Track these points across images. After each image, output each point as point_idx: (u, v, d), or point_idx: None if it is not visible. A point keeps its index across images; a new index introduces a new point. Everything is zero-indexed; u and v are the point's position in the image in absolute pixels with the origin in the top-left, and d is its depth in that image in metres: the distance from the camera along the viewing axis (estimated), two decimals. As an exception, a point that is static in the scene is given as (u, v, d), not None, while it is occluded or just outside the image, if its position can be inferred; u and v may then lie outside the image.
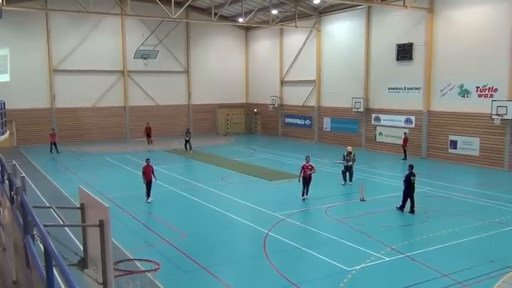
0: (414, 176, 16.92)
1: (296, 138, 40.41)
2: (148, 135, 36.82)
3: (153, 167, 19.01)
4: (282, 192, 20.82)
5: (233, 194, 19.90)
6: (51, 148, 32.63)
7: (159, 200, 19.02)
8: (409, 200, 16.73)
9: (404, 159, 28.15)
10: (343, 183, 20.85)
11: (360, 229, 14.91)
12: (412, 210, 16.64)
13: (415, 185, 16.97)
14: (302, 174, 18.31)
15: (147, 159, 19.07)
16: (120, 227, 14.90)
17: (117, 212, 16.75)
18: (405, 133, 29.32)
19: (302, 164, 18.44)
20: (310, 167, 18.32)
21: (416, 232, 14.76)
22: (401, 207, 16.83)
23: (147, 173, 18.50)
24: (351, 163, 20.90)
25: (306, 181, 18.37)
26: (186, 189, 20.97)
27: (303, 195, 18.23)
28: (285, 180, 23.05)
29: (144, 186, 18.66)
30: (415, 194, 16.91)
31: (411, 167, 17.14)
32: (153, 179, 18.60)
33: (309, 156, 18.81)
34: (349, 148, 21.28)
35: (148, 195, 18.62)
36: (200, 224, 15.91)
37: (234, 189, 21.28)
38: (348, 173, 21.19)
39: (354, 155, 20.70)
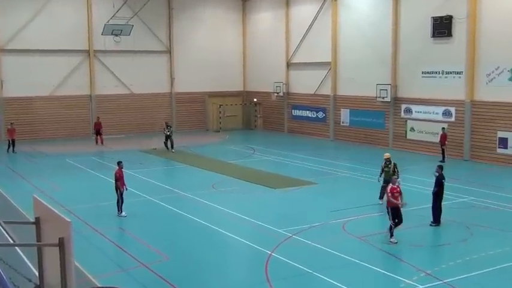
0: (444, 179, 17.12)
1: (306, 135, 40.39)
2: (98, 133, 36.63)
3: (124, 171, 18.96)
4: (289, 203, 20.77)
5: (227, 205, 19.85)
6: (9, 146, 32.67)
7: (133, 212, 18.97)
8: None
9: (442, 161, 28.19)
10: (380, 202, 19.73)
11: (386, 249, 14.90)
12: (438, 221, 16.87)
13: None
14: (391, 202, 15.63)
15: (119, 162, 19.04)
16: (84, 247, 14.86)
17: (81, 228, 16.70)
18: (443, 128, 29.33)
19: (389, 187, 15.85)
20: (399, 191, 15.94)
21: (457, 253, 14.75)
22: (437, 220, 16.87)
23: (121, 179, 18.47)
24: (393, 175, 20.04)
25: (397, 213, 15.77)
26: (167, 199, 20.94)
27: (391, 236, 15.61)
28: (292, 188, 23.01)
29: (116, 195, 18.63)
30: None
31: (441, 167, 17.21)
32: (124, 188, 18.53)
33: (396, 178, 16.71)
34: (387, 155, 20.61)
35: (120, 208, 18.57)
36: (185, 243, 15.87)
37: (228, 199, 21.23)
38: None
39: (394, 165, 20.02)
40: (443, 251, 15.30)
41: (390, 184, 16.06)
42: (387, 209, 15.80)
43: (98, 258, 14.55)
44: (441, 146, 28.90)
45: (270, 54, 43.81)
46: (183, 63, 43.85)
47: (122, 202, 18.51)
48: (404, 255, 14.38)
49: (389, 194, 15.65)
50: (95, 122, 37.40)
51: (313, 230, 16.95)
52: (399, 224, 15.69)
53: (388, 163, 19.89)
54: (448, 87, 30.41)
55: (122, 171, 18.63)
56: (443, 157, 28.59)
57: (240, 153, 33.00)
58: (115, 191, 18.59)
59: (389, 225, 15.64)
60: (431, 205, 17.27)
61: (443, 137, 28.93)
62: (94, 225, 17.43)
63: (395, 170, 19.65)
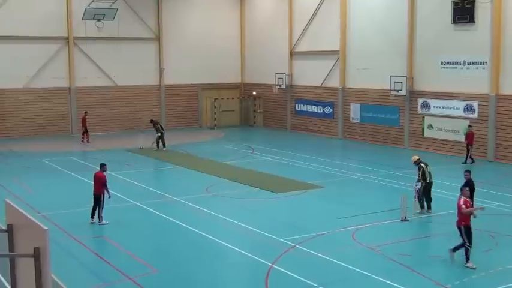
0: (473, 184, 17.16)
1: (311, 132, 40.41)
2: (84, 121, 36.46)
3: (106, 175, 18.75)
4: (292, 209, 20.78)
5: (222, 212, 19.85)
6: None
7: (118, 220, 18.96)
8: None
9: (471, 161, 28.14)
10: (418, 211, 19.49)
11: (401, 261, 14.90)
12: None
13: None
14: (466, 217, 14.65)
15: (102, 165, 18.91)
16: (62, 258, 14.85)
17: (59, 237, 16.67)
18: (470, 126, 29.21)
19: (461, 200, 14.67)
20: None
21: (480, 265, 14.74)
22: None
23: (95, 183, 18.42)
24: (428, 179, 19.94)
25: (470, 231, 14.75)
26: (156, 205, 20.93)
27: (467, 261, 14.55)
28: (295, 192, 23.03)
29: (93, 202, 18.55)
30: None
31: (469, 172, 17.17)
32: (106, 195, 18.36)
33: (466, 189, 15.74)
34: (416, 158, 20.46)
35: (93, 214, 18.43)
36: (177, 254, 15.89)
37: (224, 204, 21.25)
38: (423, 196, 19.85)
39: (422, 169, 19.82)
40: (464, 262, 15.28)
41: (462, 197, 14.74)
42: (459, 229, 14.59)
43: (78, 271, 14.54)
44: (468, 145, 28.76)
45: (271, 42, 43.81)
46: (173, 51, 43.81)
47: (102, 208, 18.41)
48: (421, 268, 14.37)
49: (465, 209, 14.37)
50: (82, 117, 37.10)
51: (319, 239, 16.92)
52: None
53: (420, 166, 19.64)
54: (471, 80, 30.40)
55: (102, 174, 18.49)
56: (467, 158, 28.51)
57: (238, 153, 33.01)
58: (94, 197, 18.36)
59: (464, 247, 14.47)
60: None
61: (471, 136, 28.78)
62: (73, 234, 17.40)
63: (423, 171, 19.55)
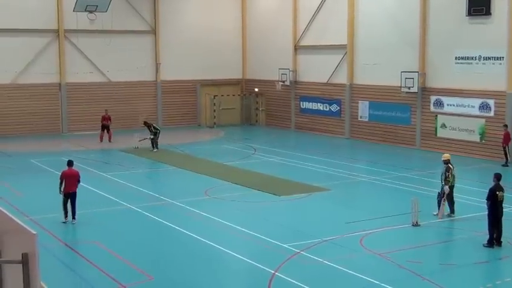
0: (502, 190, 16.82)
1: (317, 132, 40.40)
2: (105, 127, 36.69)
3: (80, 172, 19.48)
4: (296, 213, 20.78)
5: (222, 216, 19.85)
6: None
7: (111, 224, 19.01)
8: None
9: (505, 164, 27.94)
10: (446, 213, 19.57)
11: (411, 268, 14.90)
12: (498, 241, 16.63)
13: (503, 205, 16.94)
14: None
15: (70, 161, 19.47)
16: (52, 264, 14.87)
17: (48, 242, 16.71)
18: (505, 126, 28.72)
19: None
20: None
21: (496, 273, 14.78)
22: (490, 242, 16.69)
23: (69, 181, 18.89)
24: (452, 182, 19.84)
25: None
26: (151, 208, 20.96)
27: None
28: (300, 194, 23.03)
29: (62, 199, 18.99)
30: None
31: (497, 177, 16.98)
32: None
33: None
34: (446, 156, 20.32)
35: (66, 213, 18.90)
36: (174, 261, 15.91)
37: (224, 208, 21.27)
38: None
39: (450, 170, 19.72)
40: (479, 270, 15.29)
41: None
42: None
43: (69, 278, 14.57)
44: (504, 146, 28.63)
45: (274, 35, 43.81)
46: (170, 45, 43.82)
47: (73, 206, 18.94)
48: (433, 276, 14.37)
49: None
50: (102, 116, 37.06)
51: (325, 245, 16.94)
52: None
53: (448, 167, 19.56)
54: (487, 76, 30.38)
55: (73, 172, 19.20)
56: (507, 159, 28.40)
57: (239, 153, 33.03)
58: (68, 196, 18.87)
59: None
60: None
61: (507, 136, 28.65)
62: (64, 239, 17.45)
63: (450, 173, 19.47)
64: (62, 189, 18.97)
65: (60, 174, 19.34)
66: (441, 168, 20.00)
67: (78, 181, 19.11)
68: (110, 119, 36.76)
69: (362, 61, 37.46)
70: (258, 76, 45.72)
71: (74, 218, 18.96)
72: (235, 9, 46.45)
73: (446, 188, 19.34)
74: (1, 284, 5.02)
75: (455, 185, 19.69)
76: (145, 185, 25.14)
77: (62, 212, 18.96)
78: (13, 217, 4.94)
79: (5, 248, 5.04)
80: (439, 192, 19.69)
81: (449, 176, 19.45)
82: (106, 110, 37.53)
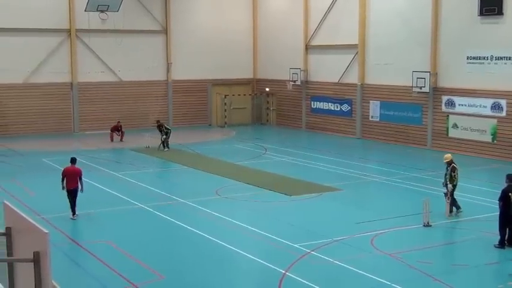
0: None
1: (328, 132, 40.36)
2: (116, 129, 36.90)
3: (82, 171, 19.67)
4: (307, 213, 20.75)
5: (233, 215, 19.89)
6: None
7: (122, 223, 19.06)
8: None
9: None
10: (449, 215, 19.62)
11: (422, 269, 14.86)
12: (509, 242, 16.55)
13: None
14: None
15: (72, 159, 19.81)
16: (64, 263, 14.94)
17: (60, 241, 16.78)
18: None
19: None
20: None
21: (507, 274, 14.69)
22: (501, 243, 16.63)
23: (70, 178, 19.11)
24: (456, 181, 19.94)
25: None
26: (163, 208, 20.99)
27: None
28: (310, 194, 23.02)
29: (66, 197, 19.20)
30: None
31: (510, 178, 16.87)
32: (79, 189, 19.20)
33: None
34: (449, 157, 20.39)
35: (73, 210, 19.22)
36: (184, 260, 15.91)
37: (235, 207, 21.30)
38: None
39: (456, 170, 19.74)
40: (490, 271, 15.23)
41: None
42: None
43: (81, 277, 14.61)
44: None
45: (285, 35, 43.79)
46: (181, 45, 43.89)
47: (75, 203, 19.28)
48: (444, 277, 14.33)
49: None
50: (114, 125, 37.23)
51: (336, 245, 16.93)
52: None
53: (450, 166, 19.64)
54: (498, 76, 30.26)
55: (76, 169, 19.48)
56: None
57: (249, 153, 33.04)
58: (70, 192, 19.13)
59: None
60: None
61: None
62: (75, 238, 17.52)
63: (453, 173, 19.52)
64: (64, 186, 19.22)
65: (62, 170, 19.70)
66: (440, 166, 19.90)
67: (80, 178, 19.26)
68: (120, 129, 36.81)
69: (373, 61, 37.40)
70: (269, 76, 45.72)
71: (74, 214, 19.21)
72: (247, 9, 46.46)
73: (450, 187, 19.43)
74: (13, 283, 5.04)
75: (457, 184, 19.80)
76: (156, 185, 25.20)
77: (70, 210, 19.25)
78: (25, 216, 4.96)
79: (17, 246, 5.06)
80: (445, 193, 19.67)
81: (456, 175, 19.53)
82: (119, 121, 37.71)
